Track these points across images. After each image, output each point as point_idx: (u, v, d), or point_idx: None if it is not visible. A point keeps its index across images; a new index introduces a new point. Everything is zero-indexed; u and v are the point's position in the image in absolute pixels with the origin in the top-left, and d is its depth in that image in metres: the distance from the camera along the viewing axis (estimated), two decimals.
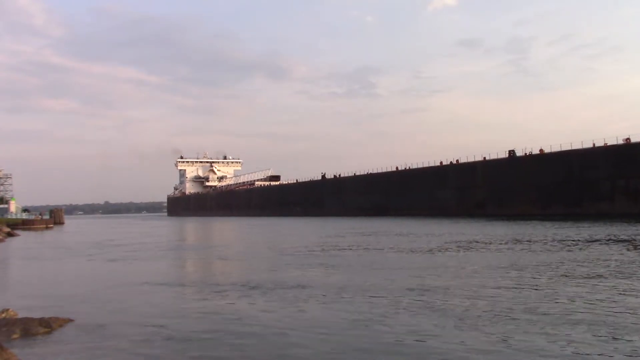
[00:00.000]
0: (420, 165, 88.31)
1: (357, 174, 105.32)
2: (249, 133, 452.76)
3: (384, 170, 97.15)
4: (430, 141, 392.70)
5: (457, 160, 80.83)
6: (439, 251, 26.99)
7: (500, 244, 29.47)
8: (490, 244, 29.72)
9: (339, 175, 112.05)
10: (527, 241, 30.25)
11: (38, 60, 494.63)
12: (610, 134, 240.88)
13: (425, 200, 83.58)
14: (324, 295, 15.01)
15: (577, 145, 62.94)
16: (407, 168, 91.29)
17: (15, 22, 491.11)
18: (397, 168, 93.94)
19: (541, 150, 67.89)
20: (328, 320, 11.95)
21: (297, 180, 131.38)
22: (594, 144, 61.70)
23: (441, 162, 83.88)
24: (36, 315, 12.27)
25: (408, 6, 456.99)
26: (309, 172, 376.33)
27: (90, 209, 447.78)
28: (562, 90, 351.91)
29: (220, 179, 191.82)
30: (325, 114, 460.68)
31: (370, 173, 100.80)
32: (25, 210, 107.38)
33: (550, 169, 65.35)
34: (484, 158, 75.77)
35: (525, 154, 70.11)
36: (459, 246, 29.13)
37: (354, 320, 11.82)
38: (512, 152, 71.24)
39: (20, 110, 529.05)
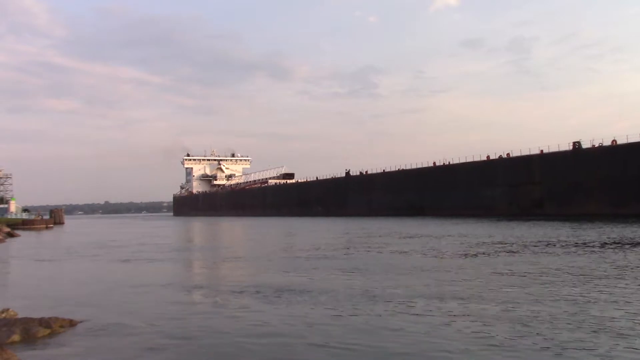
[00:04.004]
0: (463, 160, 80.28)
1: (387, 170, 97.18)
2: (250, 133, 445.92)
3: (420, 165, 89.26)
4: (431, 141, 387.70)
5: (507, 154, 73.07)
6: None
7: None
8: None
9: (366, 172, 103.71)
10: None
11: (41, 61, 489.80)
12: (610, 134, 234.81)
13: (469, 199, 75.59)
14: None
15: None
16: (447, 163, 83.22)
17: (19, 22, 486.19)
18: (434, 163, 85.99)
19: (614, 141, 60.21)
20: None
21: (317, 177, 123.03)
22: None
23: (488, 156, 76.13)
24: (36, 315, 11.96)
25: (410, 6, 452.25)
26: (309, 172, 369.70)
27: (90, 209, 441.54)
28: (563, 90, 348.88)
29: (229, 177, 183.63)
30: (327, 114, 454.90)
31: (402, 169, 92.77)
32: (25, 210, 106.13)
33: (625, 163, 57.58)
34: (541, 151, 68.11)
35: (594, 145, 62.30)
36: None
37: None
38: (577, 144, 63.37)
39: (23, 110, 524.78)
